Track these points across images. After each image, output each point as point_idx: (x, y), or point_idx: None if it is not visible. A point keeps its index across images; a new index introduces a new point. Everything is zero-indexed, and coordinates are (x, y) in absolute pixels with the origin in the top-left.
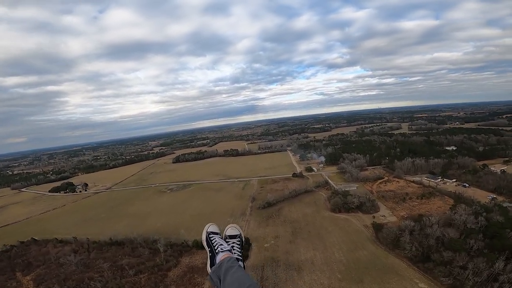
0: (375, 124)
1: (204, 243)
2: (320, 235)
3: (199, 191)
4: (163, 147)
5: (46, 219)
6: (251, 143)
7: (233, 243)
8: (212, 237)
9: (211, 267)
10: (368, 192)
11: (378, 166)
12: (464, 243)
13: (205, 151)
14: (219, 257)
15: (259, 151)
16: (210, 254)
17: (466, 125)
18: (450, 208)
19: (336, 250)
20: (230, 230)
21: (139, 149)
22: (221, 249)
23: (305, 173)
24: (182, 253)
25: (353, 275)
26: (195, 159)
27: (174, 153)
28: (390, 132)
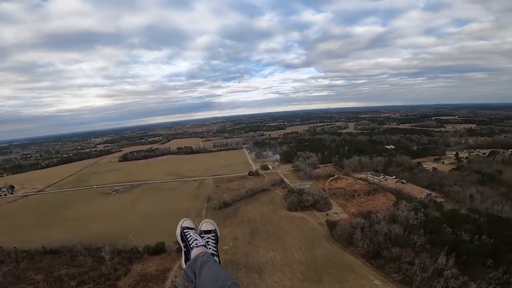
0: (325, 123)
1: (179, 238)
2: (278, 234)
3: (149, 191)
4: (108, 145)
5: None
6: (206, 140)
7: (208, 238)
8: (186, 232)
9: (185, 262)
10: (321, 189)
11: (329, 164)
12: (408, 239)
13: (157, 148)
14: (193, 252)
15: (214, 149)
16: (185, 249)
17: (402, 126)
18: (393, 204)
19: (295, 250)
20: (205, 225)
21: (79, 147)
22: (196, 244)
23: (261, 171)
24: (132, 260)
25: (313, 274)
26: (145, 157)
27: (121, 150)
28: (339, 131)
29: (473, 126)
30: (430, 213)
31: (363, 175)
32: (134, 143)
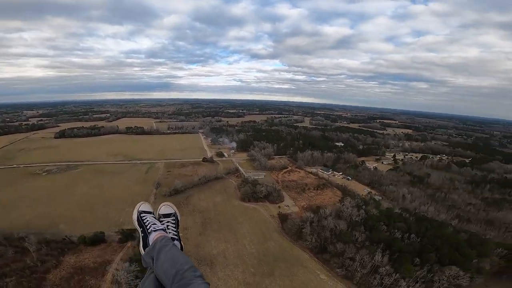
0: (283, 116)
1: (135, 223)
2: (231, 226)
3: (89, 174)
4: (43, 119)
5: None
6: (161, 121)
7: (168, 222)
8: (144, 216)
9: (144, 248)
10: (274, 181)
11: (284, 156)
12: (351, 235)
13: (102, 126)
14: (152, 237)
15: (168, 131)
16: (143, 234)
17: (352, 125)
18: (339, 200)
19: (247, 242)
20: (164, 208)
21: (7, 119)
22: (154, 228)
23: (216, 158)
24: (64, 252)
25: (264, 268)
26: (88, 135)
27: (58, 126)
28: (295, 124)
29: (410, 131)
30: (370, 210)
31: (314, 170)
32: (76, 118)
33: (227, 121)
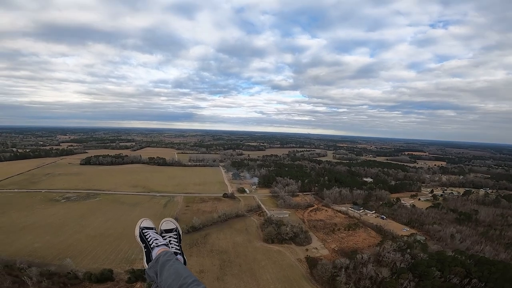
0: (305, 149)
1: (138, 239)
2: (252, 270)
3: (107, 204)
4: (74, 144)
5: None
6: (182, 153)
7: (170, 237)
8: (146, 232)
9: (147, 263)
10: (300, 220)
11: (309, 193)
12: (396, 284)
13: (126, 155)
14: (155, 252)
15: (189, 163)
16: (146, 250)
17: (378, 158)
18: (378, 243)
19: None
20: (165, 224)
21: (41, 142)
22: (156, 243)
23: (237, 194)
24: (65, 287)
25: None
26: (112, 164)
27: (86, 152)
28: (318, 158)
29: (444, 163)
30: (417, 254)
31: (343, 208)
32: (104, 146)
33: (248, 155)
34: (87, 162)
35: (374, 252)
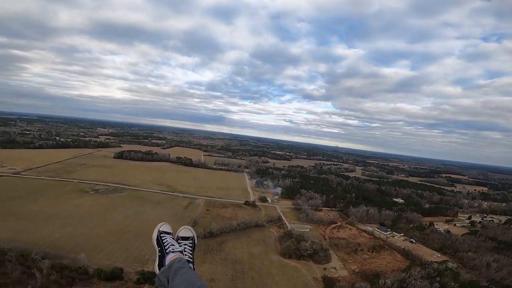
0: (332, 163)
1: (154, 242)
2: (265, 285)
3: (131, 199)
4: (110, 137)
5: None
6: (209, 155)
7: (185, 244)
8: (163, 236)
9: (159, 267)
10: (321, 237)
11: (334, 209)
12: None
13: (156, 153)
14: (169, 258)
15: (214, 167)
16: (160, 254)
17: (411, 179)
18: (404, 269)
19: None
20: (183, 231)
21: (82, 133)
22: (172, 249)
23: (258, 203)
24: (73, 282)
25: None
26: (142, 159)
27: (120, 146)
28: (345, 174)
29: (485, 189)
30: (447, 283)
31: (369, 228)
32: (137, 141)
33: (274, 163)
34: (120, 156)
35: (399, 278)
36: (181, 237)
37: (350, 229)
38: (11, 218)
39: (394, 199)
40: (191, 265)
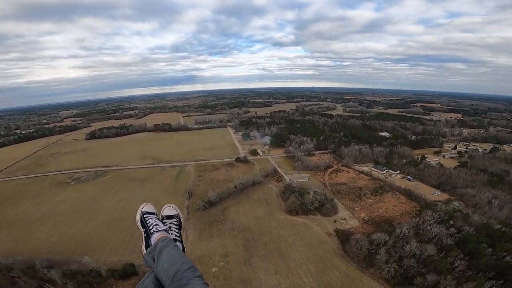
0: (313, 103)
1: (138, 224)
2: (280, 250)
3: (117, 181)
4: (77, 119)
5: None
6: (187, 116)
7: (170, 223)
8: (147, 217)
9: (146, 248)
10: (321, 185)
11: (325, 151)
12: (446, 263)
13: (131, 125)
14: (154, 238)
15: (195, 126)
16: (145, 235)
17: (390, 111)
18: (416, 214)
19: (303, 273)
20: (167, 210)
21: (44, 121)
22: (156, 229)
23: (249, 157)
24: (92, 287)
25: None
26: (117, 135)
27: (90, 126)
28: (328, 112)
29: (460, 116)
30: (462, 227)
31: (365, 168)
32: (107, 117)
33: (255, 112)
34: (92, 136)
35: (412, 223)
36: (166, 215)
37: (347, 171)
38: (2, 228)
39: (381, 133)
40: (178, 243)
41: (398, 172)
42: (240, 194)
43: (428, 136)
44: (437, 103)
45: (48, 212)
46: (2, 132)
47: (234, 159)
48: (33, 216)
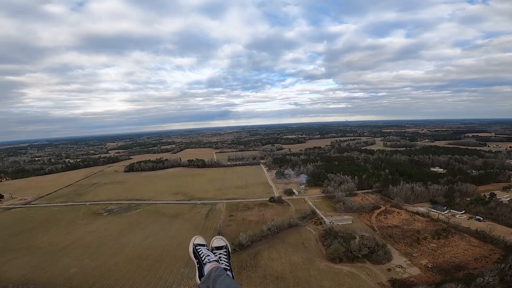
0: (349, 138)
1: (191, 255)
2: None
3: (147, 216)
4: (120, 151)
5: None
6: (220, 152)
7: (220, 254)
8: (199, 248)
9: (199, 278)
10: (368, 228)
11: (369, 191)
12: None
13: (166, 159)
14: (207, 268)
15: (228, 163)
16: (198, 265)
17: (438, 143)
18: (498, 259)
19: None
20: (216, 241)
21: (91, 151)
22: (208, 259)
23: (284, 197)
24: None
25: None
26: (153, 169)
27: (131, 158)
28: (367, 148)
29: None
30: None
31: (420, 209)
32: (147, 150)
33: (289, 149)
34: (131, 169)
35: (495, 269)
36: (215, 247)
37: (399, 213)
38: (23, 254)
39: (432, 169)
40: (228, 272)
41: (463, 212)
42: (274, 237)
43: (492, 170)
44: (490, 132)
45: (75, 242)
46: (53, 160)
47: (267, 199)
48: (59, 245)
